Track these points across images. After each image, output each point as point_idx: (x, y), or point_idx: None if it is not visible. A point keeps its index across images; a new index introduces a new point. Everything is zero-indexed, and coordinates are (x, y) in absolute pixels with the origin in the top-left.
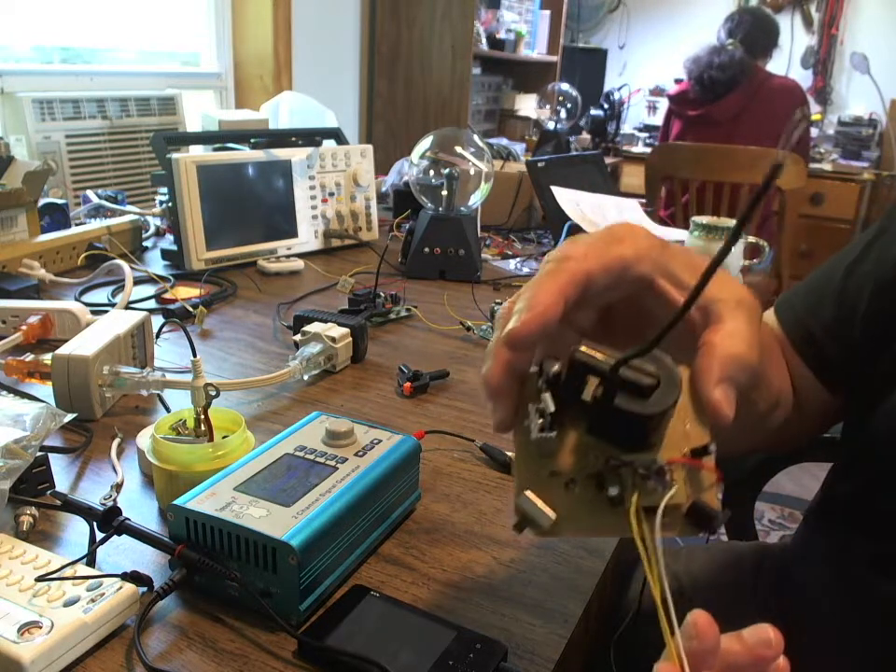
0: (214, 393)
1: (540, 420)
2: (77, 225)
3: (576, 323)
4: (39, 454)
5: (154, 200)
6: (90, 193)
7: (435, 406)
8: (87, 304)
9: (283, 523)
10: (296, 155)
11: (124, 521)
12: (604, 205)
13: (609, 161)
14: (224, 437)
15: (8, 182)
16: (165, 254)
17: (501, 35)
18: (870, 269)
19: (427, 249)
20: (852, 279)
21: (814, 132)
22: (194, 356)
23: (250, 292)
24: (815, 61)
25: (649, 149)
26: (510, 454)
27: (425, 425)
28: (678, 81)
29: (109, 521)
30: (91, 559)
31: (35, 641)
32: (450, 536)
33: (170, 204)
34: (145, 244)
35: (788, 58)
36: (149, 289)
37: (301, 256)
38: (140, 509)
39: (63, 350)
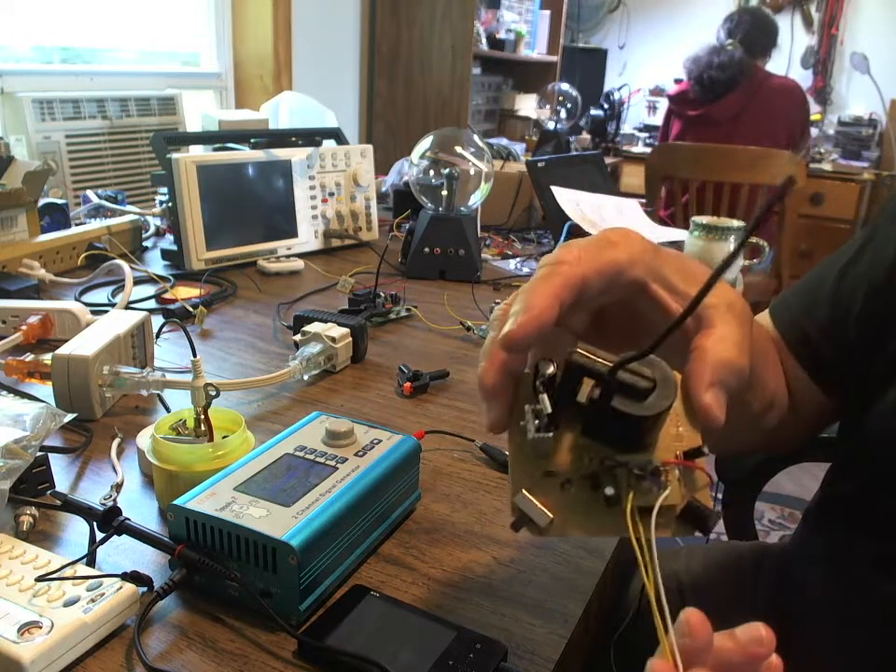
0: (214, 393)
1: (537, 421)
2: (77, 225)
3: (570, 325)
4: (39, 454)
5: (154, 200)
6: (90, 193)
7: (435, 406)
8: (87, 304)
9: (283, 523)
10: (296, 155)
11: (124, 521)
12: (604, 205)
13: (608, 161)
14: (224, 437)
15: (8, 182)
16: (165, 254)
17: (501, 35)
18: (864, 270)
19: (427, 249)
20: (846, 280)
21: (814, 132)
22: (194, 356)
23: (250, 292)
24: (815, 61)
25: (649, 149)
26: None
27: (425, 425)
28: (678, 81)
29: (109, 521)
30: (91, 559)
31: (35, 641)
32: (450, 536)
33: (170, 204)
34: (145, 244)
35: (788, 58)
36: (149, 289)
37: (301, 256)
38: (140, 509)
39: (63, 350)
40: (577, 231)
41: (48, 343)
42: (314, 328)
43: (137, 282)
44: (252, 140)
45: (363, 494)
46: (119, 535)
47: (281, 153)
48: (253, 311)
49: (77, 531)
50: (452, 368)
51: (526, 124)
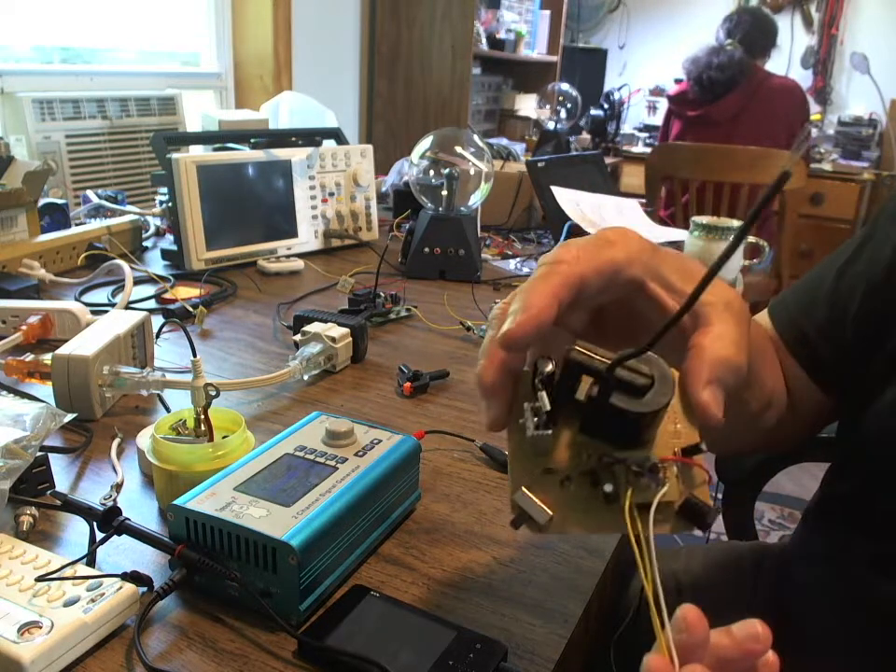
0: (214, 393)
1: (535, 418)
2: (77, 225)
3: (568, 324)
4: (39, 454)
5: (154, 200)
6: (90, 193)
7: (435, 406)
8: (87, 304)
9: (283, 523)
10: (296, 155)
11: (124, 521)
12: (604, 205)
13: (608, 160)
14: (224, 437)
15: (8, 182)
16: (165, 254)
17: (501, 35)
18: (862, 269)
19: (427, 249)
20: (844, 280)
21: (814, 132)
22: (194, 356)
23: (250, 292)
24: (815, 61)
25: (649, 149)
26: None
27: (425, 425)
28: (678, 81)
29: (109, 521)
30: (91, 559)
31: (35, 641)
32: (450, 536)
33: (170, 204)
34: (145, 244)
35: (788, 58)
36: (149, 289)
37: (301, 256)
38: (140, 509)
39: (63, 350)
40: (577, 231)
41: (48, 342)
42: (314, 328)
43: (137, 282)
44: (252, 140)
45: (363, 494)
46: (119, 535)
47: (281, 153)
48: (253, 311)
49: (77, 531)
50: (452, 368)
51: (526, 124)
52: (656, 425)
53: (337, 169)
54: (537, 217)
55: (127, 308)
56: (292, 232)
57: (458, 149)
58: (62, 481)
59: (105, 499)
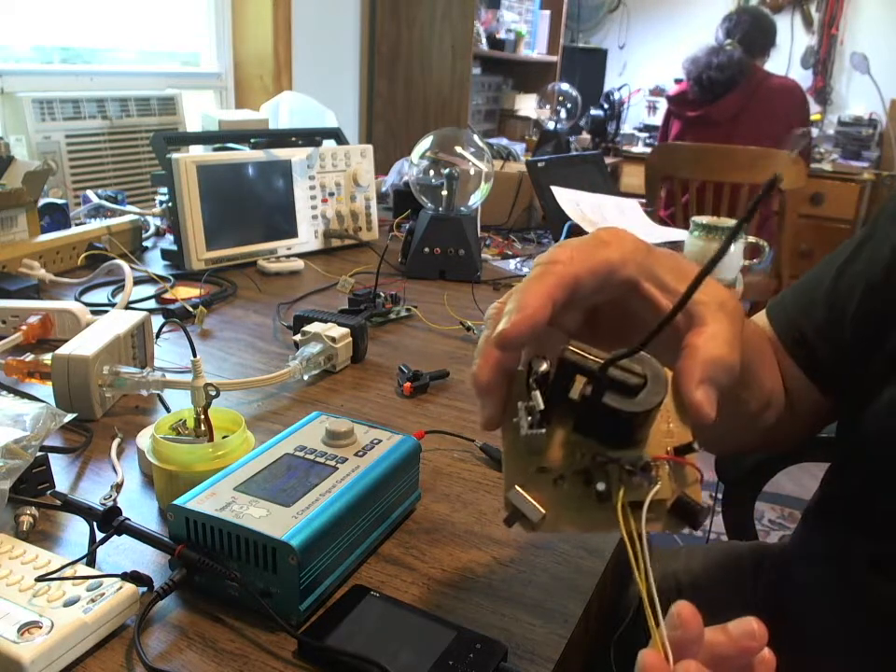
0: (214, 393)
1: (529, 417)
2: (77, 225)
3: (563, 324)
4: (39, 454)
5: (154, 200)
6: (90, 193)
7: (435, 406)
8: (87, 304)
9: (283, 523)
10: (296, 155)
11: (124, 521)
12: (604, 205)
13: (608, 160)
14: (224, 437)
15: (8, 182)
16: (165, 254)
17: (501, 35)
18: (861, 269)
19: (427, 249)
20: (843, 280)
21: (814, 132)
22: (194, 356)
23: (250, 292)
24: (815, 61)
25: (649, 149)
26: None
27: (425, 425)
28: (677, 81)
29: (109, 521)
30: (91, 559)
31: (35, 641)
32: (450, 536)
33: (170, 204)
34: (145, 244)
35: (788, 58)
36: (149, 289)
37: (301, 256)
38: (140, 509)
39: (63, 350)
40: (577, 231)
41: (48, 342)
42: (314, 328)
43: (137, 282)
44: (252, 140)
45: (363, 494)
46: (119, 535)
47: (281, 153)
48: (253, 311)
49: (77, 531)
50: (452, 368)
51: (526, 124)
52: (649, 424)
53: (337, 169)
54: (537, 217)
55: (127, 308)
56: (292, 232)
57: (458, 149)
58: (62, 481)
59: (104, 499)
